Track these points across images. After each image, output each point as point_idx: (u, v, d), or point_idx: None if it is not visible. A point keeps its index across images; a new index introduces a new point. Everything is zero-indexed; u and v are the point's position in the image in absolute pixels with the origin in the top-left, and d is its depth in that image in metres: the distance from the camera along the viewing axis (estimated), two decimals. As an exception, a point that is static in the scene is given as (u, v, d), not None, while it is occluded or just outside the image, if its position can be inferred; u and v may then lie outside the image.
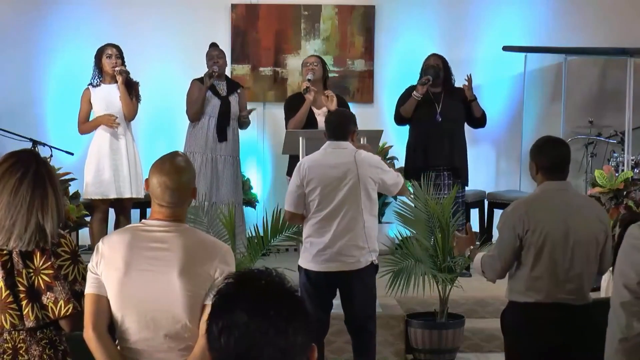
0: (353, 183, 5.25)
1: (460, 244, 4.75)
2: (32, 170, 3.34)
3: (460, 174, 7.58)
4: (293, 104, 7.22)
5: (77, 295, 3.31)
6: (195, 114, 7.56)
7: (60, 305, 3.29)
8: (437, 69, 7.54)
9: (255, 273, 1.90)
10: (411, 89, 7.57)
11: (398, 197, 6.66)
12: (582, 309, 4.34)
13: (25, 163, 3.35)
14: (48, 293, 3.29)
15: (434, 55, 7.68)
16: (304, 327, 1.85)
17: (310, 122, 7.07)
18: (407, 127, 7.73)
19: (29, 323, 3.30)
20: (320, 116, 7.08)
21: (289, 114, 7.17)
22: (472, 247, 4.69)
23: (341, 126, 5.39)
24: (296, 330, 1.83)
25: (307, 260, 5.33)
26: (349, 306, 5.43)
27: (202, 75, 7.55)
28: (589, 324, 4.33)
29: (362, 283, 5.36)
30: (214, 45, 7.74)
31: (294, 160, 6.57)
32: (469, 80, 7.49)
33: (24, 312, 3.30)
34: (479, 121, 7.67)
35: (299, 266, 5.45)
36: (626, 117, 7.95)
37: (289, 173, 6.84)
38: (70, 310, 3.29)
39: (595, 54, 8.83)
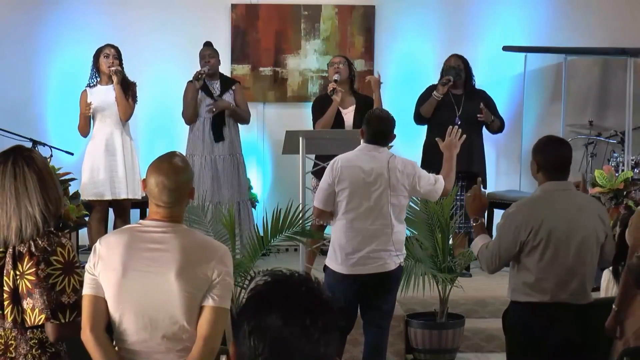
0: (383, 189, 5.21)
1: (472, 207, 4.70)
2: (10, 162, 3.33)
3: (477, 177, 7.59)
4: (320, 105, 7.30)
5: (62, 307, 3.26)
6: (189, 116, 7.55)
7: (36, 314, 3.26)
8: (457, 70, 7.52)
9: (296, 278, 1.88)
10: (431, 88, 7.55)
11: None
12: (584, 308, 4.35)
13: (3, 158, 3.35)
14: (28, 298, 3.26)
15: (455, 55, 7.65)
16: (335, 340, 1.85)
17: (338, 122, 7.14)
18: (417, 127, 7.74)
19: (7, 324, 3.30)
20: (347, 115, 7.15)
21: (317, 115, 7.26)
22: (478, 218, 4.66)
23: (386, 134, 5.34)
24: (328, 342, 1.83)
25: (336, 263, 5.30)
26: (375, 307, 5.42)
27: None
28: (590, 323, 4.33)
29: (391, 284, 5.38)
30: (207, 45, 7.69)
31: (320, 160, 6.64)
32: (483, 110, 7.44)
33: (5, 312, 3.30)
34: (497, 132, 7.74)
35: (325, 266, 5.46)
36: (626, 117, 7.94)
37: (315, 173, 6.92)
38: (42, 320, 3.25)
39: (595, 54, 8.82)
